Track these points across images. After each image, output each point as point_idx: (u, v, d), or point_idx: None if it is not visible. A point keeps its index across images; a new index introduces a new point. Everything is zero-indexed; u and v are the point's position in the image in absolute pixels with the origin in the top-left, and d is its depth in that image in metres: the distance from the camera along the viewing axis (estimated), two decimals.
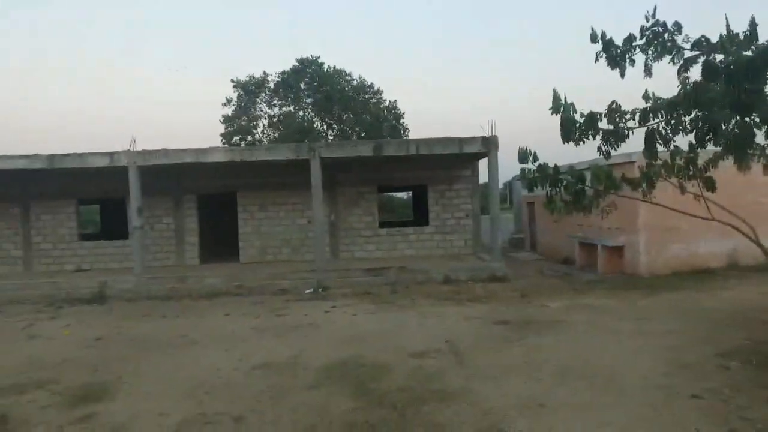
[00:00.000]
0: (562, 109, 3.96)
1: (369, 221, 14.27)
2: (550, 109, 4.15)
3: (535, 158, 5.82)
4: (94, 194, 14.17)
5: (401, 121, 24.31)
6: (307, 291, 11.31)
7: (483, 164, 14.34)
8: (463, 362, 6.01)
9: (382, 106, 24.19)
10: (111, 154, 11.58)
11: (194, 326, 8.51)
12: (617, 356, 5.99)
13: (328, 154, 11.69)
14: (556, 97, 3.90)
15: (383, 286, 11.34)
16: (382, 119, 23.24)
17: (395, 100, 24.62)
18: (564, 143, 4.19)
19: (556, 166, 5.83)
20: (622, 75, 5.71)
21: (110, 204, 16.93)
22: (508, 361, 5.95)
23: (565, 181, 5.85)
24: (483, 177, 14.70)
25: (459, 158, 13.72)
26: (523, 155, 5.78)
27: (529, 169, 5.92)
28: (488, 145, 11.77)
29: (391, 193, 28.29)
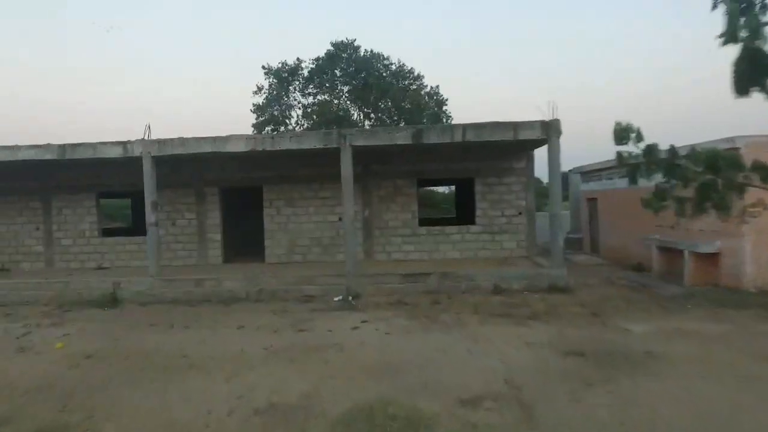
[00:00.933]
0: (743, 33, 2.26)
1: (407, 219, 12.71)
2: (720, 37, 2.47)
3: (640, 137, 4.07)
4: (116, 187, 13.32)
5: (444, 108, 22.45)
6: (335, 299, 9.91)
7: (539, 154, 12.49)
8: (531, 418, 4.39)
9: (423, 92, 22.40)
10: (124, 144, 10.57)
11: (200, 342, 7.26)
12: (759, 420, 4.20)
13: (360, 143, 10.20)
14: (733, 14, 2.22)
15: (423, 295, 9.78)
16: (423, 106, 21.48)
17: (437, 86, 22.79)
18: (740, 95, 2.47)
19: (672, 147, 4.05)
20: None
21: (139, 197, 16.20)
22: (593, 420, 4.28)
23: (684, 169, 4.07)
24: (538, 169, 12.85)
25: (512, 147, 11.91)
26: (622, 133, 4.02)
27: (630, 153, 4.18)
28: (548, 131, 9.94)
29: (431, 187, 26.57)
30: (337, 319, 8.45)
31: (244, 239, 14.61)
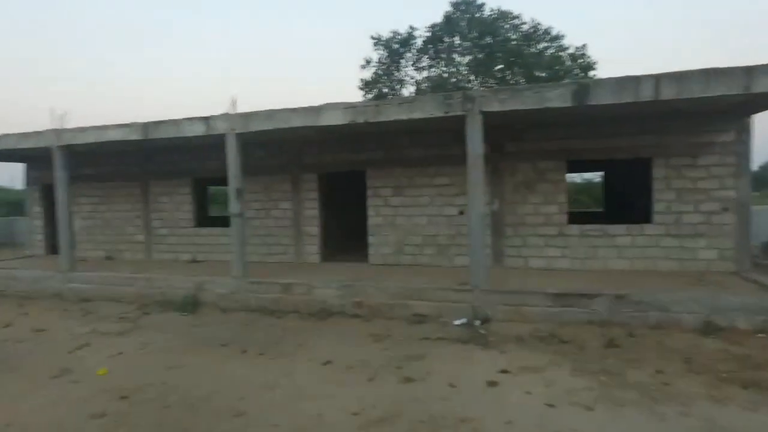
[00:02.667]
0: None
1: (552, 213, 9.54)
2: None
3: None
4: (212, 172, 12.00)
5: (592, 73, 18.11)
6: (456, 322, 7.28)
7: (761, 121, 8.45)
8: None
9: (563, 54, 18.30)
10: (207, 119, 8.97)
11: (269, 387, 5.11)
12: None
13: (495, 108, 7.34)
14: None
15: (586, 328, 6.69)
16: (564, 72, 17.50)
17: (583, 45, 18.46)
18: None
19: None
20: None
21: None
22: None
23: None
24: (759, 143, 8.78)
25: (716, 110, 8.15)
26: None
27: None
28: None
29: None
30: (461, 359, 5.79)
31: (345, 234, 12.61)
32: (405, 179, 10.38)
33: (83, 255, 13.33)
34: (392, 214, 10.49)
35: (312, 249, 11.13)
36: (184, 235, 12.30)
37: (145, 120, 9.45)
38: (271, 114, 8.57)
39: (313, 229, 11.12)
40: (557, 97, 7.06)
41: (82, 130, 9.97)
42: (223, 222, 13.42)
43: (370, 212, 10.62)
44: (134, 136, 9.53)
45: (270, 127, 8.54)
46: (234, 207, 8.90)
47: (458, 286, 7.85)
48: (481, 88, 7.56)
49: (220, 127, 8.85)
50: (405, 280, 8.63)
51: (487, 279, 7.63)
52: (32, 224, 14.14)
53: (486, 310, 7.31)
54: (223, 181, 10.72)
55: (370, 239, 10.64)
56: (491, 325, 7.12)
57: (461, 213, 10.01)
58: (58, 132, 10.13)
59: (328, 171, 11.06)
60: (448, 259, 10.09)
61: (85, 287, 9.95)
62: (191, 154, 11.94)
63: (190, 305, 8.78)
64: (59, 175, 10.21)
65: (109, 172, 12.98)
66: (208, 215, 18.63)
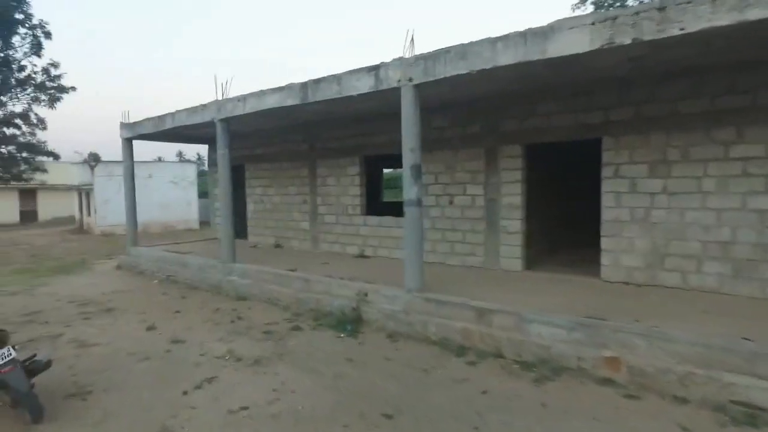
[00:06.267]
0: None
1: None
2: None
3: None
4: (384, 147, 9.66)
5: None
6: None
7: None
8: None
9: None
10: (376, 69, 6.48)
11: None
12: None
13: None
14: None
15: None
16: None
17: None
18: None
19: None
20: None
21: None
22: None
23: None
24: None
25: None
26: None
27: None
28: None
29: None
30: None
31: (558, 230, 9.16)
32: (671, 149, 6.45)
33: (255, 241, 12.56)
34: (645, 206, 6.67)
35: (511, 251, 7.98)
36: (351, 224, 10.35)
37: (303, 80, 7.45)
38: (464, 51, 5.62)
39: (514, 223, 7.94)
40: None
41: (242, 98, 8.52)
42: (395, 210, 11.06)
43: (607, 201, 6.96)
44: (292, 100, 7.63)
45: (464, 71, 5.60)
46: (409, 191, 6.27)
47: None
48: None
49: (393, 78, 6.27)
50: (687, 318, 4.90)
51: None
52: (213, 207, 13.99)
53: None
54: (396, 160, 8.23)
55: (605, 242, 7.00)
56: None
57: None
58: (219, 103, 8.90)
59: (541, 140, 7.69)
60: (754, 285, 5.92)
61: (242, 282, 8.60)
62: (359, 126, 9.85)
63: (350, 323, 6.54)
64: (221, 153, 9.01)
65: (277, 151, 11.80)
66: (382, 201, 16.90)
